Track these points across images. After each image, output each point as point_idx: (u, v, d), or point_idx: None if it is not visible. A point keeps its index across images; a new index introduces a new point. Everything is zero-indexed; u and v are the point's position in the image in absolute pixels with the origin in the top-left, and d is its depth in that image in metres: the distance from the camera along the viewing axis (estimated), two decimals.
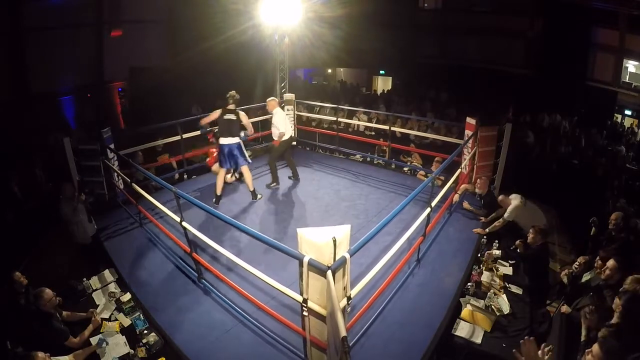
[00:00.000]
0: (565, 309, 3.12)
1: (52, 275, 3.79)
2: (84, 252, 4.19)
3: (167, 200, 4.39)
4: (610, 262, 3.06)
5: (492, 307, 3.40)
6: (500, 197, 4.55)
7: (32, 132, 7.50)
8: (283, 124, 5.50)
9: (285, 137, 5.56)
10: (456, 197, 5.16)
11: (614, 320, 2.60)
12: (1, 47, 8.41)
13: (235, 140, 4.92)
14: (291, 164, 6.01)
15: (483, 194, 5.00)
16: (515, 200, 4.39)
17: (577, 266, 3.66)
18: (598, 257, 3.34)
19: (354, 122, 7.98)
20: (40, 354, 2.48)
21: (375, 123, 7.51)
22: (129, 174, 4.99)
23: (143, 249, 4.22)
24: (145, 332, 3.09)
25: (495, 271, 3.89)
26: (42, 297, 2.90)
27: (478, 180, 5.12)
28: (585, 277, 3.55)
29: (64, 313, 3.17)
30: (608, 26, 10.19)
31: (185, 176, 6.22)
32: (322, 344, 2.39)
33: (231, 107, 4.98)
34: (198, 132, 5.71)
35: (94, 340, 3.02)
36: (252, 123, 7.31)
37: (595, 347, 2.18)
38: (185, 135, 5.74)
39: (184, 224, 3.31)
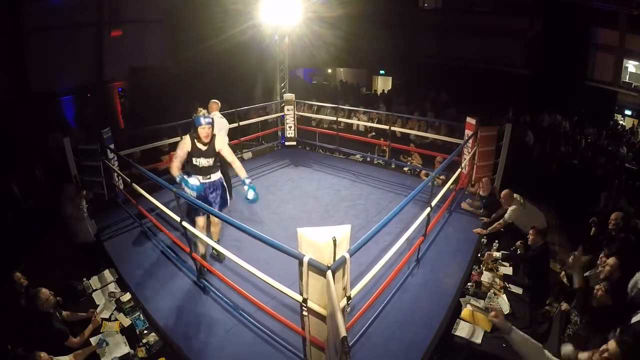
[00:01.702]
0: (565, 306, 3.12)
1: (52, 275, 3.79)
2: (85, 252, 4.19)
3: (167, 201, 4.39)
4: (611, 260, 3.06)
5: (492, 307, 3.39)
6: (505, 192, 4.51)
7: (32, 132, 7.50)
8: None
9: None
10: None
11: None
12: (1, 47, 8.41)
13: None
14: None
15: (485, 195, 4.99)
16: (514, 201, 4.38)
17: (572, 259, 3.66)
18: (602, 255, 3.34)
19: (354, 122, 7.98)
20: (44, 354, 2.48)
21: (376, 123, 7.51)
22: (129, 174, 4.99)
23: (143, 249, 4.22)
24: (145, 332, 3.09)
25: (495, 271, 3.89)
26: (39, 298, 2.89)
27: (481, 180, 5.13)
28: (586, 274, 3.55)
29: (64, 313, 3.17)
30: (608, 26, 10.21)
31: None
32: (322, 344, 2.39)
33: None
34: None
35: (94, 340, 3.02)
36: (253, 123, 7.42)
37: (612, 345, 2.14)
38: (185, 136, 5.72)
39: (183, 223, 3.31)
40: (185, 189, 3.40)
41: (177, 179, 3.49)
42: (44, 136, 7.15)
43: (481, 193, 5.08)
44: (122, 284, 3.69)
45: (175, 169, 3.51)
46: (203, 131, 3.49)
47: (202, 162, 3.59)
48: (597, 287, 2.82)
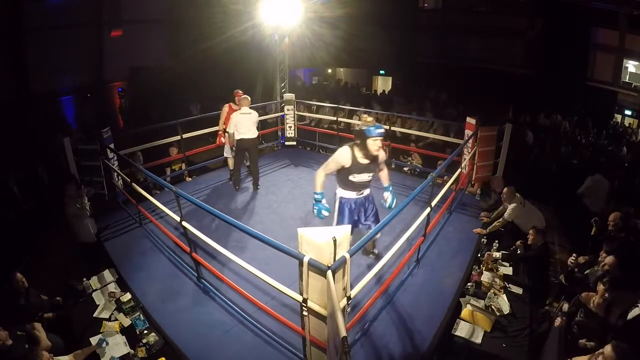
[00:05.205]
0: (566, 306, 3.14)
1: (52, 275, 3.79)
2: (85, 251, 4.19)
3: (168, 201, 4.39)
4: (609, 259, 3.05)
5: (492, 307, 3.39)
6: (506, 189, 4.50)
7: (32, 132, 7.50)
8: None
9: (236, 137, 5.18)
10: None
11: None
12: (1, 47, 8.42)
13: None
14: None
15: (501, 191, 4.95)
16: (515, 199, 4.39)
17: (572, 261, 3.66)
18: (603, 251, 3.33)
19: (354, 122, 7.97)
20: (45, 353, 2.48)
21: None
22: (129, 174, 4.99)
23: (143, 249, 4.22)
24: (145, 332, 3.09)
25: (495, 271, 3.89)
26: None
27: (492, 180, 5.18)
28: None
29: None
30: (608, 26, 10.21)
31: (186, 174, 6.20)
32: (322, 344, 2.39)
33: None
34: (197, 133, 5.72)
35: (94, 340, 3.02)
36: None
37: (608, 349, 2.18)
38: (185, 135, 5.73)
39: (184, 223, 3.31)
40: (314, 210, 3.18)
41: (316, 197, 3.16)
42: (44, 136, 7.15)
43: (497, 190, 5.04)
44: (122, 284, 3.69)
45: (320, 185, 3.13)
46: (375, 144, 3.01)
47: (363, 177, 3.18)
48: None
